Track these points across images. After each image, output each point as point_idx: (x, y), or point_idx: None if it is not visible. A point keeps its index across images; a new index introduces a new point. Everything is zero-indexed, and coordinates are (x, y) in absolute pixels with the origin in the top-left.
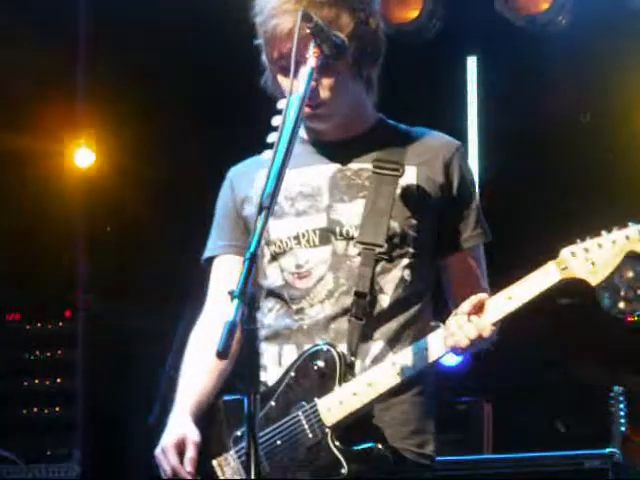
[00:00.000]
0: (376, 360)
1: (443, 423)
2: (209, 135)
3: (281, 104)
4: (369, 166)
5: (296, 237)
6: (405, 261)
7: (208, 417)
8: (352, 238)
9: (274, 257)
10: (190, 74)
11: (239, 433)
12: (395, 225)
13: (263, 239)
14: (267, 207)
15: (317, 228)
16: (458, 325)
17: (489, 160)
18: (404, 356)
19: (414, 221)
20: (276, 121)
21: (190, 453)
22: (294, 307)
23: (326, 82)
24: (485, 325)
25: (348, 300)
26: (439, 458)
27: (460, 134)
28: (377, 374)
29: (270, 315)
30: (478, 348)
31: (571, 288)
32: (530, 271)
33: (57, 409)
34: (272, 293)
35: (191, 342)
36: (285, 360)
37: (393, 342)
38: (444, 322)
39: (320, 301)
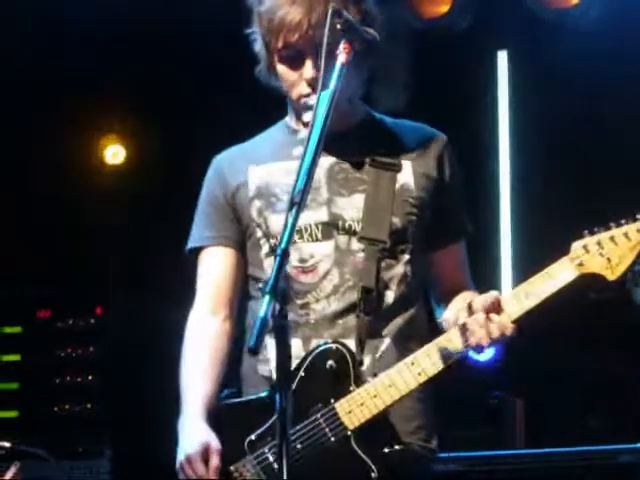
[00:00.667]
0: (384, 357)
1: (475, 418)
2: (242, 134)
3: (312, 100)
4: (365, 160)
5: (299, 231)
6: (406, 257)
7: (216, 422)
8: (354, 233)
9: (273, 250)
10: (222, 73)
11: (253, 437)
12: (397, 221)
13: (261, 231)
14: (298, 203)
15: (319, 222)
16: (479, 324)
17: (520, 155)
18: (424, 355)
19: (413, 217)
20: (307, 117)
21: (215, 461)
22: (298, 302)
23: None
24: (507, 323)
25: (354, 296)
26: (471, 453)
27: (491, 128)
28: (397, 375)
29: None
30: (496, 344)
31: (603, 282)
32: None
33: (89, 406)
34: None
35: (187, 345)
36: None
37: (398, 338)
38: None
39: (326, 296)
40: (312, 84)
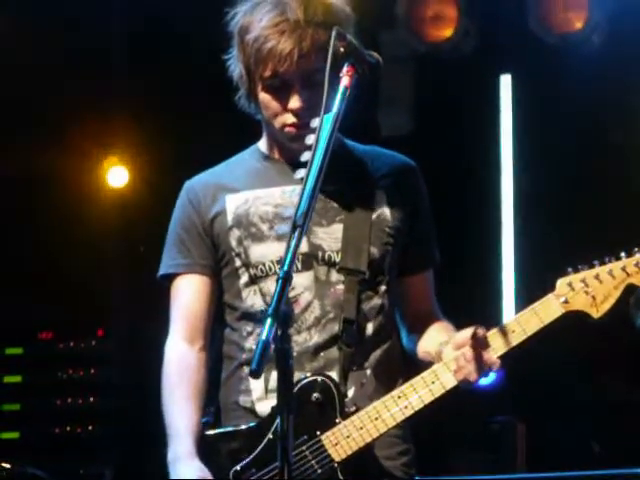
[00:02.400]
0: (366, 388)
1: (477, 442)
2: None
3: (314, 123)
4: (341, 189)
5: (279, 262)
6: (383, 288)
7: (201, 450)
8: (334, 264)
9: (253, 280)
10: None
11: (239, 468)
12: (375, 251)
13: (240, 261)
14: (300, 226)
15: (300, 252)
16: (466, 359)
17: (523, 179)
18: (411, 389)
19: (389, 247)
20: (310, 140)
21: None
22: (279, 333)
23: (315, 101)
24: (493, 359)
25: (335, 327)
26: (472, 477)
27: (494, 152)
28: (383, 408)
29: (250, 339)
30: (482, 378)
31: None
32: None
33: (90, 428)
34: (251, 317)
35: (168, 378)
36: (272, 386)
37: (378, 369)
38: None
39: (307, 328)
40: (298, 114)
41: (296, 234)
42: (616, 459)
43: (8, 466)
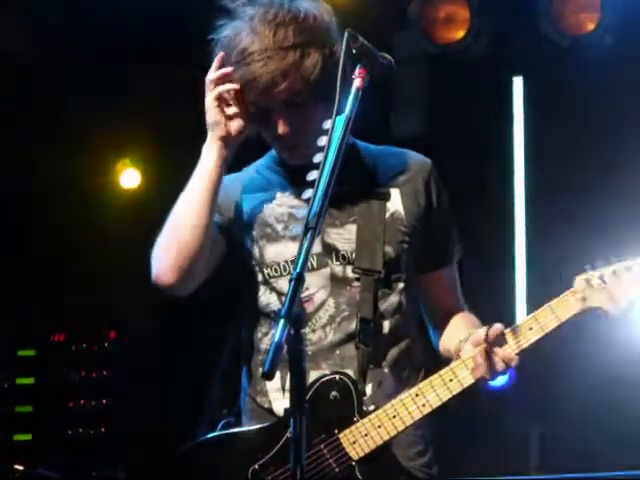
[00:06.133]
0: (384, 386)
1: (489, 444)
2: (253, 155)
3: (327, 125)
4: (354, 189)
5: (293, 261)
6: (401, 286)
7: (219, 451)
8: (349, 263)
9: (267, 280)
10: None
11: (257, 467)
12: (390, 250)
13: (255, 260)
14: (313, 227)
15: (314, 253)
16: (484, 357)
17: (535, 181)
18: (428, 387)
19: (406, 245)
20: (322, 142)
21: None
22: (292, 334)
23: (302, 121)
24: (511, 356)
25: (351, 326)
26: (488, 478)
27: (506, 154)
28: (401, 406)
29: (265, 340)
30: (500, 376)
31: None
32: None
33: (102, 430)
34: (265, 316)
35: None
36: (289, 385)
37: (395, 368)
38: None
39: (322, 326)
40: (287, 138)
41: (309, 236)
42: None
43: (21, 468)
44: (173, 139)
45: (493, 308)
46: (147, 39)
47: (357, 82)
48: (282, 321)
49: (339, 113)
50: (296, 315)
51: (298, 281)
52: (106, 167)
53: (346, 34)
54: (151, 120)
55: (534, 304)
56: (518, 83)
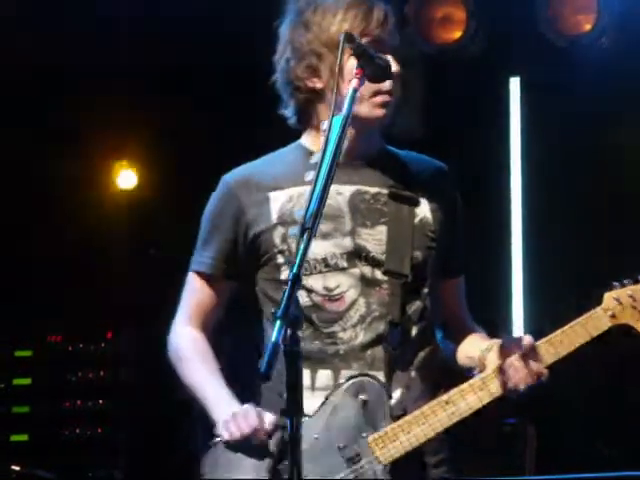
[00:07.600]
0: (412, 390)
1: (487, 446)
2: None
3: (324, 125)
4: (385, 191)
5: (324, 259)
6: (425, 291)
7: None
8: (378, 264)
9: None
10: (233, 94)
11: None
12: (418, 254)
13: (284, 258)
14: (310, 228)
15: (344, 252)
16: (516, 368)
17: (531, 182)
18: (459, 395)
19: (432, 251)
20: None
21: (270, 416)
22: (325, 330)
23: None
24: (543, 370)
25: (381, 327)
26: (488, 478)
27: (503, 155)
28: (431, 413)
29: None
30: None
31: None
32: (577, 295)
33: (99, 430)
34: None
35: (186, 355)
36: (319, 384)
37: (423, 372)
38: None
39: (353, 325)
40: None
41: (305, 236)
42: (625, 461)
43: (18, 468)
44: (170, 140)
45: (489, 310)
46: (147, 39)
47: (354, 82)
48: (279, 322)
49: (336, 113)
50: (294, 316)
51: (294, 282)
52: (103, 168)
53: (342, 35)
54: (148, 122)
55: (531, 305)
56: (515, 84)
